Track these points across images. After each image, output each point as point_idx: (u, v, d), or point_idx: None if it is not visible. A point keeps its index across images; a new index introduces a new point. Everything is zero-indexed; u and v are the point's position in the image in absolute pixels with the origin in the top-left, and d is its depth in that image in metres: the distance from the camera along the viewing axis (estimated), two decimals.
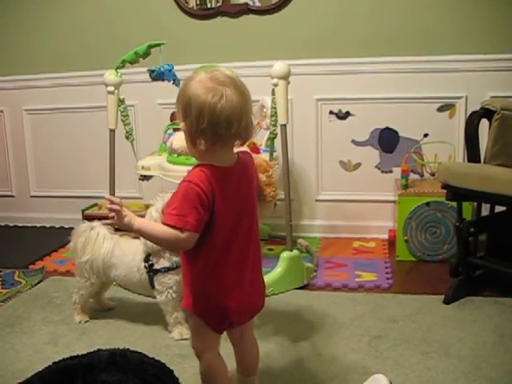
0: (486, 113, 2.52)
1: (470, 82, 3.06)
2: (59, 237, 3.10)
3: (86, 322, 2.33)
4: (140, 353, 1.39)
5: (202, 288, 1.51)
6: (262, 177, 1.73)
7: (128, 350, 1.37)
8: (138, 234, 1.49)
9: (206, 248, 1.47)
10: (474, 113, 2.55)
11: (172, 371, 1.34)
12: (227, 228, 1.48)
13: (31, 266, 3.00)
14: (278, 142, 2.63)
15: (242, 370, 1.71)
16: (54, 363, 1.31)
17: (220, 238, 1.47)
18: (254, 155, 1.69)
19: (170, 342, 2.13)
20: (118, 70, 2.73)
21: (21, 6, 3.63)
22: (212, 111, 1.38)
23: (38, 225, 3.74)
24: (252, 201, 1.57)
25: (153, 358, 1.38)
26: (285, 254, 2.59)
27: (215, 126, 1.39)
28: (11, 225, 3.81)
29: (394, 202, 3.19)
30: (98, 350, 1.39)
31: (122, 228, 1.46)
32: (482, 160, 2.54)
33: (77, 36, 3.59)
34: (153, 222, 1.48)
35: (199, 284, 1.51)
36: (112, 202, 1.42)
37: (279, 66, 2.48)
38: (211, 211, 1.43)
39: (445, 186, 2.37)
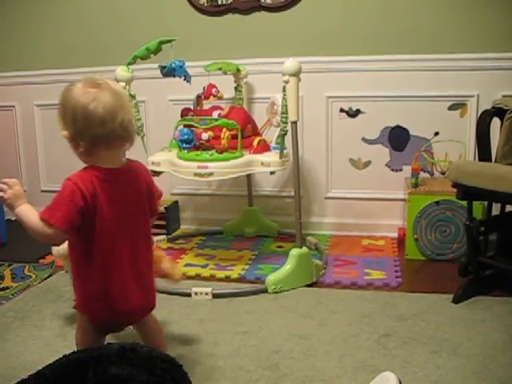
0: (498, 112, 2.51)
1: (482, 81, 3.05)
2: None
3: None
4: (149, 347, 1.39)
5: (91, 290, 1.53)
6: (165, 262, 1.83)
7: (138, 344, 1.37)
8: (17, 218, 1.51)
9: (92, 250, 1.49)
10: (485, 111, 2.54)
11: (181, 366, 1.34)
12: (113, 228, 1.50)
13: (41, 261, 3.02)
14: (288, 140, 2.62)
15: None
16: (65, 356, 1.31)
17: (106, 240, 1.50)
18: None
19: (179, 337, 2.14)
20: (130, 66, 2.74)
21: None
22: (85, 111, 1.44)
23: None
24: (141, 204, 1.60)
25: (162, 353, 1.38)
26: (294, 251, 2.59)
27: (90, 125, 1.45)
28: None
29: (403, 200, 3.18)
30: (108, 344, 1.40)
31: (7, 208, 1.54)
32: (493, 159, 2.53)
33: (88, 32, 3.60)
34: (32, 211, 1.48)
35: (89, 286, 1.53)
36: (5, 183, 1.51)
37: (290, 63, 2.48)
38: (93, 212, 1.46)
39: (455, 185, 2.36)
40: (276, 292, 2.53)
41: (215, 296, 2.50)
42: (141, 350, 1.33)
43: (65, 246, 1.64)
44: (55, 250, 2.22)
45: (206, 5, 3.36)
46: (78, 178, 1.46)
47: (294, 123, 2.54)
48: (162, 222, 3.41)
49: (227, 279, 2.74)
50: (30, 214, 1.49)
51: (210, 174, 2.64)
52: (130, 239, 1.55)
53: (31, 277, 2.79)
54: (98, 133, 1.45)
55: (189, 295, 2.51)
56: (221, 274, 2.78)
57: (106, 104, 1.46)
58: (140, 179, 1.61)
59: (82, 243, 1.50)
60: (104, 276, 1.51)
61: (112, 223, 1.50)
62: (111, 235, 1.50)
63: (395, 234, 3.20)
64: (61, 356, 1.39)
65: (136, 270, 1.57)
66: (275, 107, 2.82)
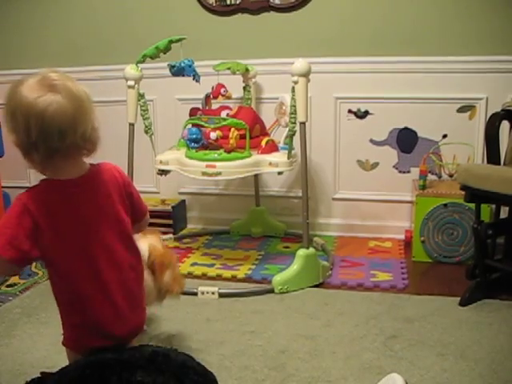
0: (507, 114, 2.51)
1: (491, 84, 3.03)
2: None
3: None
4: (186, 355, 1.30)
5: (75, 322, 1.34)
6: (167, 275, 1.61)
7: (173, 350, 1.28)
8: None
9: (63, 278, 1.30)
10: (494, 114, 2.54)
11: (215, 381, 1.27)
12: (80, 248, 1.29)
13: None
14: (296, 140, 2.62)
15: None
16: (94, 355, 1.24)
17: (76, 263, 1.29)
18: (154, 241, 1.57)
19: (186, 336, 2.14)
20: (139, 65, 2.75)
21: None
22: (41, 120, 1.20)
23: None
24: (111, 213, 1.36)
25: (197, 362, 1.29)
26: (301, 252, 2.59)
27: (47, 138, 1.22)
28: None
29: (411, 202, 3.17)
30: (141, 346, 1.32)
31: None
32: (502, 162, 2.53)
33: (97, 30, 3.60)
34: None
35: (67, 317, 1.35)
36: None
37: (300, 64, 2.48)
38: (50, 236, 1.25)
39: (463, 188, 2.35)
40: (282, 292, 2.53)
41: (221, 295, 2.50)
42: (175, 358, 1.26)
43: None
44: None
45: (214, 4, 3.36)
46: (29, 197, 1.26)
47: (303, 124, 2.54)
48: (169, 221, 3.42)
49: (234, 279, 2.74)
50: None
51: (218, 174, 2.65)
52: (106, 256, 1.33)
53: (38, 274, 2.79)
54: (55, 146, 1.23)
55: (195, 294, 2.51)
56: (227, 273, 2.78)
57: (66, 112, 1.23)
58: (108, 184, 1.37)
59: (51, 271, 1.32)
60: (84, 304, 1.31)
61: (77, 242, 1.29)
62: (80, 256, 1.29)
63: (402, 236, 3.20)
64: (67, 353, 1.38)
65: (124, 288, 1.36)
66: (284, 107, 2.82)
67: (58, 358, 1.56)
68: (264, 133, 2.95)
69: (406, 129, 3.21)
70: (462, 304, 2.35)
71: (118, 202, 1.38)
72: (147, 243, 1.72)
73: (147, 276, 1.58)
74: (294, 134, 2.63)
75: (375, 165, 3.30)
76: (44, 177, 1.32)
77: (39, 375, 1.38)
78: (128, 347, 1.33)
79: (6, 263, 1.24)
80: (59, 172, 1.30)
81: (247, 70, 3.14)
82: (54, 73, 1.30)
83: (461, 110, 3.12)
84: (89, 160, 1.37)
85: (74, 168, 1.33)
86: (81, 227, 1.30)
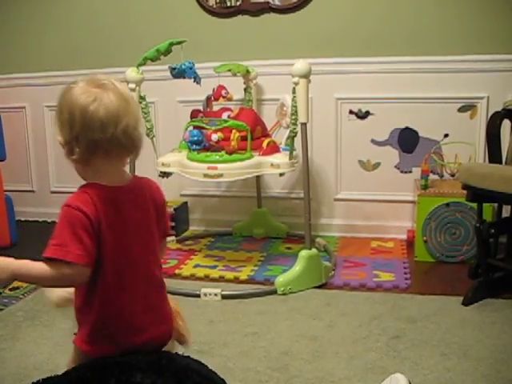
0: (508, 113, 2.51)
1: (492, 83, 3.04)
2: None
3: None
4: (192, 359, 1.29)
5: (96, 327, 1.31)
6: (181, 322, 1.59)
7: (181, 355, 1.28)
8: (16, 279, 1.26)
9: (97, 283, 1.28)
10: (495, 113, 2.54)
11: None
12: (121, 259, 1.30)
13: None
14: (297, 141, 2.63)
15: None
16: (97, 358, 1.25)
17: (113, 271, 1.28)
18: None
19: None
20: (140, 67, 2.75)
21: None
22: (84, 112, 1.25)
23: None
24: (148, 228, 1.37)
25: (204, 367, 1.28)
26: (303, 253, 2.59)
27: (88, 129, 1.25)
28: (31, 220, 3.85)
29: (413, 202, 3.17)
30: (147, 351, 1.31)
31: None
32: (504, 161, 2.52)
33: (98, 33, 3.61)
34: (29, 262, 1.23)
35: (93, 322, 1.31)
36: None
37: (300, 65, 2.49)
38: (98, 240, 1.24)
39: (465, 187, 2.35)
40: (285, 293, 2.53)
41: (224, 297, 2.50)
42: (179, 361, 1.25)
43: (68, 289, 1.40)
44: (55, 295, 1.52)
45: (215, 6, 3.37)
46: (79, 202, 1.24)
47: (304, 125, 2.54)
48: (171, 223, 3.42)
49: (236, 280, 2.74)
50: (31, 264, 1.24)
51: (220, 176, 2.65)
52: (141, 267, 1.35)
53: None
54: (96, 138, 1.25)
55: (198, 296, 2.52)
56: (230, 275, 2.78)
57: (109, 106, 1.26)
58: (147, 199, 1.38)
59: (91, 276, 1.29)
60: (108, 309, 1.30)
61: (118, 253, 1.29)
62: (118, 268, 1.29)
63: (404, 236, 3.19)
64: (69, 356, 1.38)
65: (148, 302, 1.37)
66: (284, 109, 2.82)
67: (60, 361, 1.56)
68: (265, 134, 2.95)
69: (407, 129, 3.22)
70: (465, 303, 2.35)
71: (155, 220, 1.39)
72: None
73: None
74: (295, 135, 2.63)
75: (377, 165, 3.30)
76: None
77: (42, 378, 1.37)
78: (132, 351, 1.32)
79: (85, 270, 1.22)
80: (101, 175, 1.30)
81: (248, 71, 3.15)
82: (102, 75, 1.33)
83: (462, 109, 3.12)
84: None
85: (117, 174, 1.33)
86: (122, 237, 1.30)
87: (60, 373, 1.28)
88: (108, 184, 1.30)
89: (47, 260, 1.20)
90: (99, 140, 1.25)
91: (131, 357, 1.24)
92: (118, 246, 1.29)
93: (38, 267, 1.21)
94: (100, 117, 1.25)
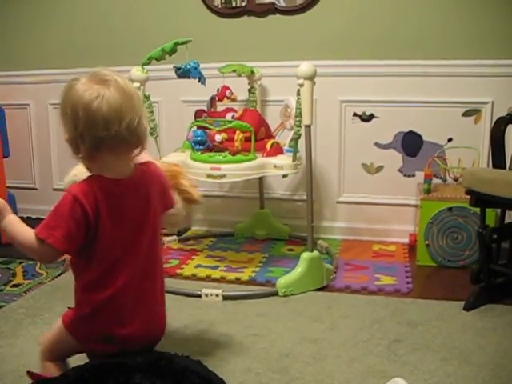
0: None
1: (497, 88, 3.03)
2: None
3: None
4: (192, 360, 1.31)
5: (90, 313, 1.37)
6: (184, 182, 1.63)
7: (180, 356, 1.30)
8: (5, 230, 1.36)
9: (92, 271, 1.34)
10: (500, 118, 2.53)
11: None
12: (117, 249, 1.35)
13: None
14: (301, 143, 2.62)
15: None
16: (97, 359, 1.26)
17: (108, 262, 1.34)
18: (160, 163, 1.57)
19: (189, 338, 2.14)
20: (144, 67, 2.75)
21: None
22: (87, 110, 1.27)
23: None
24: (151, 219, 1.42)
25: (203, 367, 1.30)
26: (305, 255, 2.59)
27: (92, 127, 1.27)
28: (34, 217, 3.84)
29: (415, 206, 3.17)
30: (147, 351, 1.34)
31: None
32: (508, 166, 2.52)
33: (103, 32, 3.62)
34: (23, 225, 1.33)
35: (87, 307, 1.38)
36: None
37: (305, 67, 2.48)
38: (95, 230, 1.30)
39: (469, 192, 2.35)
40: (286, 295, 2.52)
41: (225, 298, 2.50)
42: (178, 362, 1.27)
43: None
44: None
45: (220, 7, 3.37)
46: (79, 191, 1.29)
47: (308, 127, 2.54)
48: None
49: (237, 281, 2.74)
50: (21, 227, 1.34)
51: (223, 176, 2.65)
52: (137, 261, 1.39)
53: (42, 274, 2.80)
54: (101, 135, 1.28)
55: (199, 296, 2.51)
56: (231, 275, 2.78)
57: (112, 102, 1.27)
58: (151, 186, 1.43)
59: (81, 261, 1.36)
60: (103, 298, 1.35)
61: (116, 243, 1.34)
62: (114, 257, 1.34)
63: (406, 240, 3.19)
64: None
65: (141, 296, 1.40)
66: (289, 110, 2.82)
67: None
68: (269, 135, 2.95)
69: (411, 132, 3.21)
70: (467, 308, 2.34)
71: (159, 202, 1.45)
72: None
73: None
74: (299, 137, 2.63)
75: (380, 168, 3.30)
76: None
77: (41, 380, 1.38)
78: (131, 352, 1.33)
79: (60, 254, 1.31)
80: (107, 168, 1.35)
81: (252, 72, 3.14)
82: (105, 70, 1.36)
83: (466, 113, 3.11)
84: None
85: (122, 166, 1.37)
86: (124, 227, 1.36)
87: None
88: (112, 177, 1.35)
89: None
90: (104, 137, 1.28)
91: (130, 358, 1.26)
92: (116, 236, 1.34)
93: (26, 234, 1.31)
94: (103, 114, 1.27)
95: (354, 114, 3.28)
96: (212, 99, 3.10)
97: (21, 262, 2.96)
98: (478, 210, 2.43)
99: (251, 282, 2.73)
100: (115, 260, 1.35)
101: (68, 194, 1.29)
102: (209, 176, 2.66)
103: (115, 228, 1.33)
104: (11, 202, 3.25)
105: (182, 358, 1.30)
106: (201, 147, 2.77)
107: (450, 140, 3.15)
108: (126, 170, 1.38)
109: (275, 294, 2.53)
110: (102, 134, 1.28)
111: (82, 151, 1.32)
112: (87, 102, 1.27)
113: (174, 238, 3.36)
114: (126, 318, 1.38)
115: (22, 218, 1.38)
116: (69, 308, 1.46)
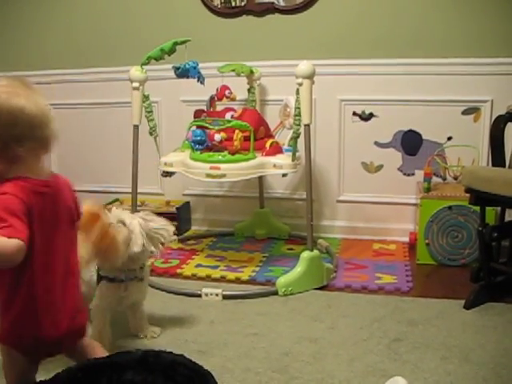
0: None
1: (496, 86, 3.03)
2: None
3: None
4: (176, 354, 1.35)
5: (18, 317, 1.36)
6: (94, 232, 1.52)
7: (163, 351, 1.35)
8: None
9: (23, 273, 1.32)
10: (499, 117, 2.53)
11: (208, 373, 1.29)
12: (46, 246, 1.35)
13: None
14: (300, 142, 2.62)
15: None
16: (88, 360, 1.30)
17: (39, 260, 1.33)
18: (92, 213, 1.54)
19: (189, 338, 2.14)
20: (143, 67, 2.75)
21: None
22: (23, 112, 1.31)
23: None
24: (70, 219, 1.45)
25: (189, 360, 1.33)
26: (305, 254, 2.59)
27: (31, 128, 1.32)
28: None
29: (415, 204, 3.17)
30: (134, 350, 1.37)
31: None
32: (507, 164, 2.52)
33: (101, 32, 3.61)
34: None
35: (14, 312, 1.36)
36: None
37: (304, 66, 2.48)
38: (30, 226, 1.29)
39: (468, 190, 2.35)
40: (286, 294, 2.52)
41: (225, 297, 2.50)
42: (165, 357, 1.30)
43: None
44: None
45: (219, 6, 3.37)
46: (16, 190, 1.28)
47: (307, 126, 2.54)
48: (174, 223, 3.40)
49: (237, 281, 2.73)
50: None
51: (222, 176, 2.65)
52: (62, 258, 1.41)
53: None
54: (38, 136, 1.33)
55: (199, 296, 2.51)
56: (231, 275, 2.78)
57: (40, 105, 1.35)
58: (66, 194, 1.46)
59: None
60: (32, 300, 1.35)
61: (45, 240, 1.34)
62: (43, 255, 1.34)
63: (406, 239, 3.19)
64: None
65: (65, 291, 1.42)
66: (288, 109, 2.82)
67: (59, 360, 1.56)
68: (268, 135, 2.95)
69: (410, 131, 3.21)
70: (467, 307, 2.34)
71: (74, 208, 1.48)
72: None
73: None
74: (298, 136, 2.63)
75: (380, 167, 3.30)
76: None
77: (34, 382, 1.40)
78: (118, 351, 1.37)
79: (24, 248, 1.24)
80: (27, 171, 1.34)
81: (252, 71, 3.14)
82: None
83: (465, 112, 3.11)
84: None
85: (41, 170, 1.39)
86: (50, 227, 1.37)
87: (56, 371, 1.31)
88: (35, 177, 1.35)
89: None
90: (39, 138, 1.34)
91: (118, 357, 1.31)
92: (44, 235, 1.34)
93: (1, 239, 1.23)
94: (37, 116, 1.33)
95: (354, 113, 3.28)
96: (211, 99, 3.10)
97: None
98: (477, 208, 2.43)
99: (251, 281, 2.73)
100: (45, 260, 1.35)
101: (4, 194, 1.27)
102: (208, 175, 2.66)
103: (43, 227, 1.35)
104: None
105: (166, 352, 1.35)
106: (200, 147, 2.77)
107: (449, 138, 3.15)
108: (44, 173, 1.40)
109: (275, 293, 2.53)
110: (39, 133, 1.34)
111: (19, 152, 1.32)
112: (22, 105, 1.32)
113: (175, 237, 3.35)
114: (56, 318, 1.40)
115: None
116: None
